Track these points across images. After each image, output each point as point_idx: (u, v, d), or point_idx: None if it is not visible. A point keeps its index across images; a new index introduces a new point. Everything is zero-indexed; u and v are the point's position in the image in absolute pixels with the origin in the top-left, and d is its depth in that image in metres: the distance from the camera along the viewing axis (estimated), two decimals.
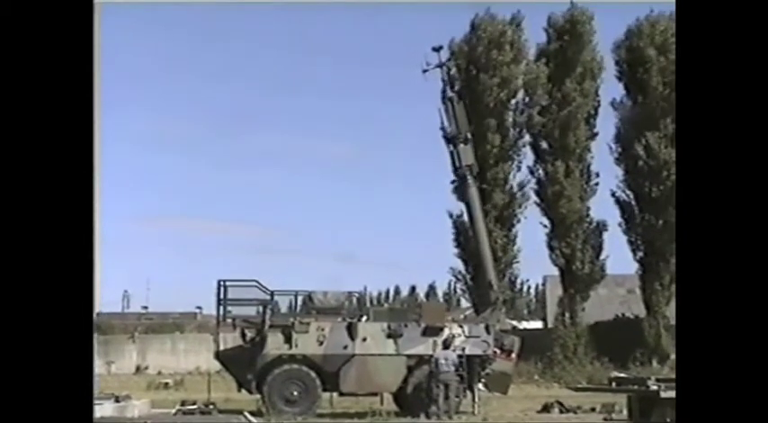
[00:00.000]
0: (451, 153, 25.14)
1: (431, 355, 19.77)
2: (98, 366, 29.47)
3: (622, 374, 22.28)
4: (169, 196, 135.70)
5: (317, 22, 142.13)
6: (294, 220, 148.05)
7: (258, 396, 20.45)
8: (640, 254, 37.70)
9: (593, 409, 21.10)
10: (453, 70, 29.87)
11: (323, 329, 20.32)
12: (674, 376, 13.61)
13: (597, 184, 38.61)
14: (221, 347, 21.46)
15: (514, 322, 47.01)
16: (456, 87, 28.00)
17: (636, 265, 38.17)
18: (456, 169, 25.32)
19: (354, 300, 22.26)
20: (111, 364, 40.50)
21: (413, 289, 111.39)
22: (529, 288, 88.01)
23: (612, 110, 38.68)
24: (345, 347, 20.25)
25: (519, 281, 42.53)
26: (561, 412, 21.26)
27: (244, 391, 20.93)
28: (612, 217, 38.39)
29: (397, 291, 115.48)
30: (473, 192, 24.97)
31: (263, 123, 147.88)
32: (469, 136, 24.90)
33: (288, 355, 20.17)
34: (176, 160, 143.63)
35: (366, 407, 20.77)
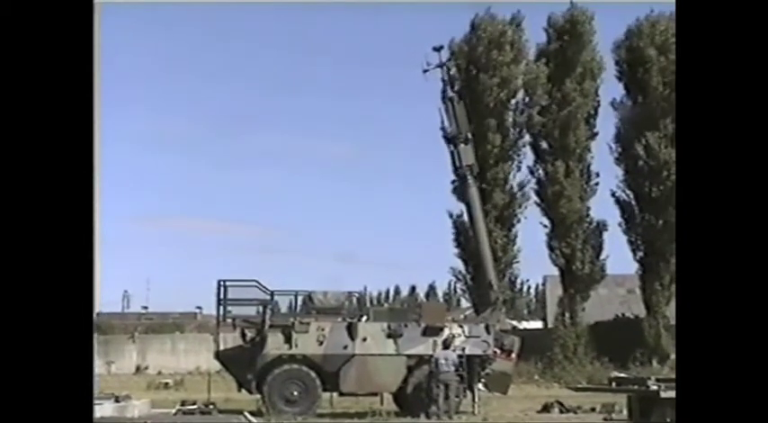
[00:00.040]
0: (452, 153, 25.14)
1: (431, 355, 19.77)
2: (98, 366, 29.47)
3: (622, 374, 22.28)
4: (169, 196, 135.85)
5: (317, 22, 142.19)
6: (294, 220, 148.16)
7: (258, 396, 20.45)
8: (640, 254, 37.71)
9: (593, 409, 21.10)
10: (453, 70, 29.87)
11: (323, 329, 20.32)
12: (673, 376, 13.61)
13: (597, 184, 38.68)
14: (221, 347, 21.46)
15: (514, 322, 47.03)
16: (456, 87, 27.98)
17: (636, 265, 38.22)
18: (456, 169, 25.33)
19: (354, 300, 22.26)
20: (111, 364, 40.51)
21: (413, 289, 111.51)
22: (529, 288, 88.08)
23: (612, 110, 38.74)
24: (345, 347, 20.25)
25: (519, 281, 42.59)
26: (561, 412, 21.26)
27: (244, 391, 20.92)
28: (612, 217, 38.46)
29: (397, 291, 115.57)
30: (473, 192, 24.98)
31: (263, 123, 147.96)
32: (470, 136, 24.90)
33: (288, 355, 20.17)
34: (176, 160, 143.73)
35: (366, 407, 20.78)
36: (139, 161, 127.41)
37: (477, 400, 20.74)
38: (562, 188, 37.14)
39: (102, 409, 17.33)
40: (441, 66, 24.94)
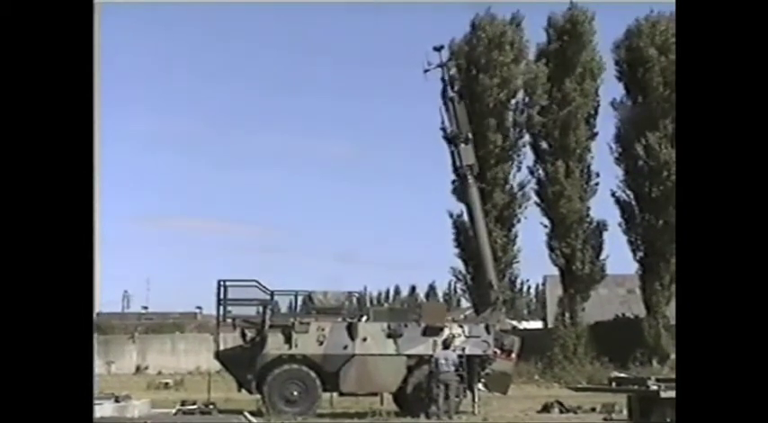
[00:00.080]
0: (452, 153, 25.15)
1: (431, 355, 19.77)
2: (98, 366, 29.48)
3: (622, 374, 22.28)
4: (169, 196, 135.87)
5: (317, 22, 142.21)
6: (294, 220, 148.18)
7: (258, 396, 20.45)
8: (640, 254, 37.71)
9: (593, 409, 21.10)
10: (453, 70, 29.87)
11: (323, 329, 20.32)
12: (674, 376, 13.61)
13: (597, 184, 38.68)
14: (221, 347, 21.46)
15: (514, 322, 47.06)
16: (456, 87, 27.97)
17: (636, 265, 38.22)
18: (456, 169, 25.34)
19: (354, 300, 22.25)
20: (111, 364, 40.52)
21: (413, 289, 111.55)
22: (529, 288, 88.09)
23: (612, 110, 38.74)
24: (345, 347, 20.25)
25: (519, 281, 42.57)
26: (561, 412, 21.25)
27: (244, 391, 20.92)
28: (612, 217, 38.46)
29: (397, 291, 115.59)
30: (474, 192, 24.98)
31: (263, 123, 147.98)
32: (470, 136, 24.90)
33: (288, 355, 20.17)
34: (176, 160, 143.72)
35: (366, 407, 20.78)
36: (139, 161, 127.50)
37: (477, 400, 20.74)
38: (562, 188, 37.14)
39: (102, 409, 17.33)
40: (441, 66, 24.94)
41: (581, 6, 38.54)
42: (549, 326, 43.71)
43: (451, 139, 25.22)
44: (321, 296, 21.36)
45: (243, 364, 20.46)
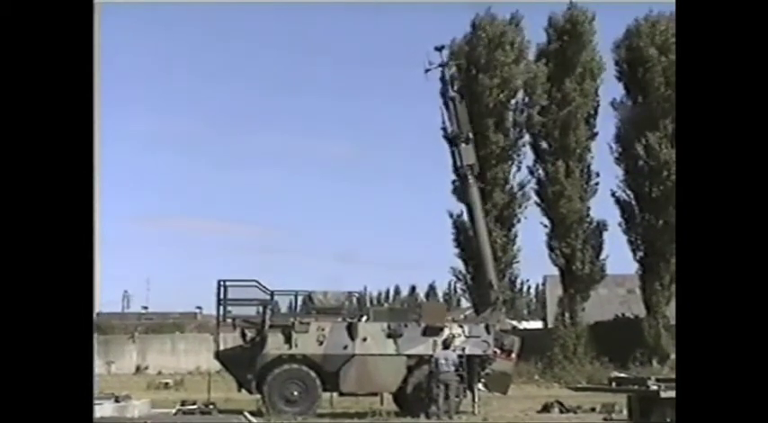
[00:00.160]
0: (453, 153, 25.15)
1: (431, 355, 19.76)
2: (98, 366, 29.47)
3: (622, 374, 22.29)
4: (169, 196, 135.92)
5: (317, 22, 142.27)
6: (294, 220, 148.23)
7: (258, 396, 20.45)
8: (640, 254, 37.71)
9: (593, 409, 21.10)
10: (454, 70, 29.89)
11: (323, 329, 20.31)
12: (674, 376, 13.61)
13: (597, 184, 38.68)
14: (221, 347, 21.45)
15: (514, 322, 47.05)
16: (456, 87, 27.98)
17: (636, 265, 38.22)
18: (457, 169, 25.36)
19: (354, 300, 22.25)
20: (111, 364, 40.52)
21: (413, 289, 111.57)
22: (529, 288, 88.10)
23: (612, 110, 38.75)
24: (345, 347, 20.24)
25: (519, 281, 42.55)
26: (561, 412, 21.25)
27: (244, 391, 20.92)
28: (612, 217, 38.46)
29: (397, 291, 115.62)
30: (474, 191, 25.00)
31: (263, 123, 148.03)
32: (471, 136, 24.90)
33: (288, 355, 20.16)
34: (176, 160, 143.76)
35: (366, 407, 20.78)
36: (139, 161, 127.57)
37: (477, 400, 20.73)
38: (562, 188, 37.15)
39: (102, 409, 17.32)
40: (442, 65, 24.95)
41: (581, 6, 38.60)
42: (549, 326, 43.69)
43: (452, 139, 25.25)
44: (321, 296, 21.36)
45: (243, 364, 20.46)
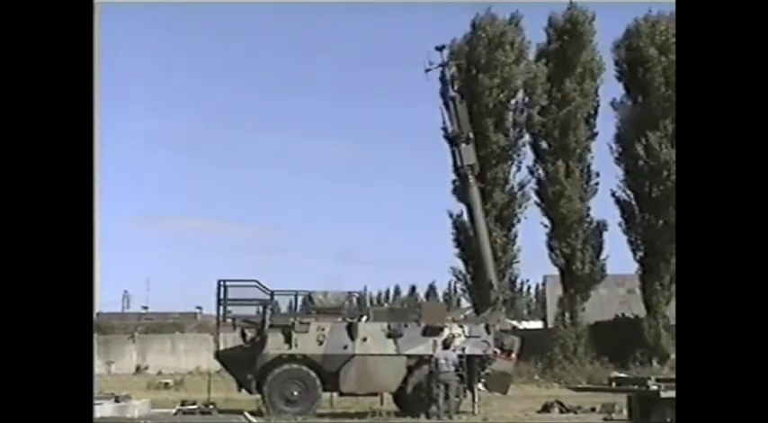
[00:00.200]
0: (453, 153, 25.12)
1: (431, 355, 19.76)
2: (98, 366, 29.47)
3: (622, 374, 22.27)
4: (169, 196, 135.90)
5: (317, 22, 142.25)
6: (294, 220, 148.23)
7: (258, 396, 20.45)
8: (640, 254, 37.71)
9: (593, 409, 21.10)
10: (454, 70, 29.88)
11: (323, 329, 20.31)
12: (673, 376, 13.60)
13: (597, 184, 38.68)
14: (221, 347, 21.45)
15: (514, 322, 47.04)
16: (456, 87, 27.96)
17: (636, 265, 38.22)
18: (457, 169, 25.34)
19: (354, 300, 22.25)
20: (111, 364, 40.52)
21: (413, 289, 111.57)
22: (529, 288, 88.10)
23: (612, 110, 38.75)
24: (345, 347, 20.24)
25: (519, 281, 42.54)
26: (561, 412, 21.25)
27: (244, 391, 20.91)
28: (613, 217, 38.46)
29: (397, 291, 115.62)
30: (474, 191, 25.00)
31: (263, 123, 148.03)
32: (471, 136, 24.90)
33: (288, 355, 20.16)
34: (176, 160, 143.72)
35: (366, 407, 20.78)
36: (139, 161, 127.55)
37: (477, 400, 20.73)
38: (562, 188, 37.15)
39: (102, 409, 17.32)
40: (442, 65, 24.96)
41: (581, 6, 38.60)
42: (549, 326, 43.68)
43: (452, 139, 25.24)
44: (321, 296, 21.35)
45: (243, 364, 20.46)
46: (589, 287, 38.18)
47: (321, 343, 20.24)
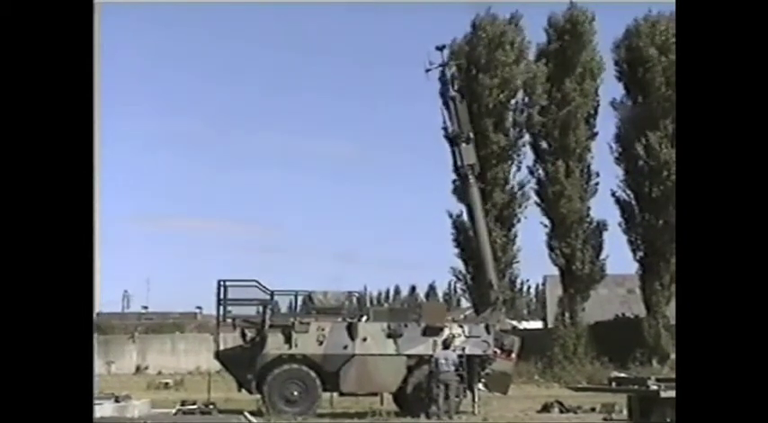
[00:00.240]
0: (453, 152, 25.11)
1: (431, 355, 19.76)
2: (98, 366, 29.45)
3: (622, 374, 22.26)
4: (169, 196, 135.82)
5: (317, 21, 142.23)
6: (294, 220, 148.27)
7: (258, 396, 20.44)
8: (640, 254, 37.71)
9: (593, 409, 21.09)
10: (454, 70, 29.88)
11: (323, 329, 20.31)
12: (673, 376, 13.60)
13: (597, 183, 38.68)
14: (221, 347, 21.45)
15: (514, 322, 47.02)
16: (456, 87, 27.95)
17: (636, 265, 38.22)
18: (457, 169, 25.33)
19: (354, 300, 22.24)
20: (111, 364, 40.51)
21: (413, 289, 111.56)
22: (529, 288, 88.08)
23: (612, 110, 38.74)
24: (345, 347, 20.24)
25: (519, 281, 42.52)
26: (561, 412, 21.25)
27: (244, 391, 20.91)
28: (612, 217, 38.46)
29: (398, 291, 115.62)
30: (474, 191, 25.00)
31: (264, 123, 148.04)
32: (471, 135, 24.90)
33: (288, 355, 20.16)
34: (176, 160, 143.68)
35: (366, 407, 20.77)
36: (139, 161, 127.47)
37: (477, 400, 20.73)
38: (562, 188, 37.15)
39: (102, 409, 17.32)
40: (442, 65, 24.96)
41: (581, 6, 38.60)
42: (550, 326, 43.68)
43: (453, 139, 25.23)
44: (321, 296, 21.35)
45: (243, 363, 20.45)
46: (589, 287, 38.19)
47: (321, 343, 20.23)
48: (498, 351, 21.16)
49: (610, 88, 38.95)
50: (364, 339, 20.34)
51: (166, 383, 32.74)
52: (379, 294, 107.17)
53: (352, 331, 20.33)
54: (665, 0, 32.46)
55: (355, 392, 20.87)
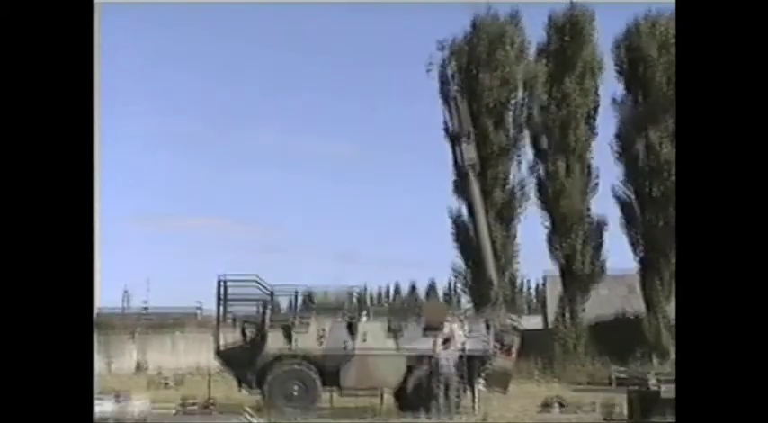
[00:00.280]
0: (454, 151, 25.12)
1: (431, 354, 19.77)
2: (98, 365, 29.46)
3: (622, 373, 22.30)
4: (169, 196, 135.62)
5: (317, 21, 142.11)
6: (294, 220, 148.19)
7: (259, 394, 20.45)
8: (641, 252, 37.70)
9: (593, 408, 21.09)
10: (454, 69, 29.90)
11: (323, 328, 20.32)
12: (674, 374, 13.61)
13: (597, 182, 38.67)
14: (221, 346, 21.45)
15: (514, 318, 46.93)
16: (457, 85, 27.97)
17: (636, 264, 38.19)
18: (458, 167, 25.35)
19: (354, 298, 22.26)
20: (111, 362, 40.49)
21: (413, 287, 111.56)
22: (530, 286, 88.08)
23: (613, 109, 38.72)
24: (346, 346, 20.25)
25: (519, 279, 42.53)
26: (562, 410, 21.25)
27: (244, 389, 20.92)
28: (613, 215, 38.45)
29: (398, 289, 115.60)
30: (475, 189, 25.00)
31: (264, 123, 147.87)
32: (472, 134, 24.90)
33: (288, 354, 20.17)
34: (176, 160, 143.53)
35: (366, 405, 20.78)
36: (139, 161, 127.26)
37: (477, 398, 20.73)
38: (563, 186, 37.15)
39: (102, 407, 17.33)
40: (443, 65, 24.98)
41: (581, 5, 38.55)
42: (550, 324, 43.69)
43: (453, 138, 25.23)
44: (321, 294, 21.38)
45: (243, 362, 20.47)
46: (589, 285, 38.18)
47: (321, 341, 20.25)
48: (498, 349, 21.17)
49: (610, 87, 38.98)
50: (364, 337, 20.35)
51: (167, 382, 32.73)
52: (380, 293, 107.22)
53: (352, 329, 20.35)
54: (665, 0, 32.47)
55: (355, 391, 20.88)
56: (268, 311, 20.50)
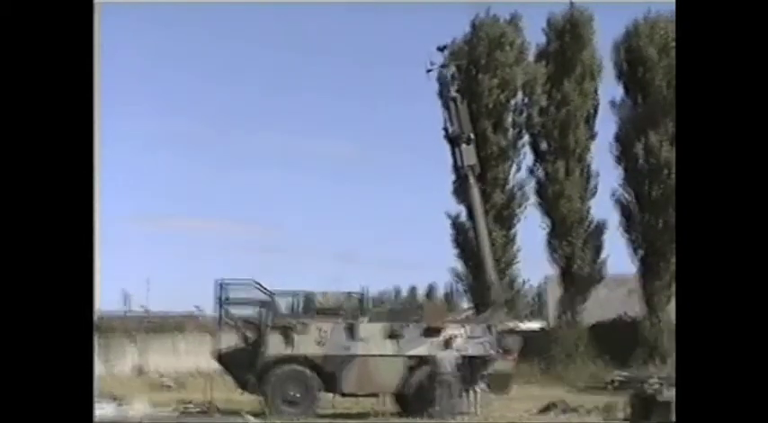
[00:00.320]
0: (453, 153, 25.08)
1: (432, 356, 19.74)
2: (98, 367, 29.42)
3: (623, 375, 22.27)
4: (169, 196, 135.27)
5: (317, 21, 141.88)
6: (294, 220, 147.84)
7: (259, 397, 20.42)
8: (641, 254, 37.64)
9: (593, 410, 21.07)
10: (454, 70, 29.86)
11: (323, 330, 20.29)
12: (673, 376, 13.58)
13: (597, 184, 38.62)
14: (221, 348, 21.42)
15: (516, 322, 46.92)
16: (457, 87, 27.93)
17: (636, 265, 38.15)
18: (457, 169, 25.31)
19: (355, 300, 22.22)
20: (111, 364, 40.40)
21: (413, 289, 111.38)
22: (530, 287, 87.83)
23: (612, 110, 38.68)
24: (346, 348, 20.23)
25: (519, 281, 42.45)
26: (563, 412, 21.23)
27: (244, 391, 20.88)
28: (613, 217, 38.38)
29: (398, 291, 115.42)
30: (475, 192, 24.99)
31: (264, 123, 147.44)
32: (472, 136, 24.88)
33: (288, 356, 20.14)
34: (176, 160, 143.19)
35: (367, 408, 20.75)
36: (139, 161, 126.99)
37: (477, 400, 20.70)
38: (562, 188, 37.09)
39: (102, 409, 17.31)
40: (443, 66, 24.94)
41: (580, 7, 38.53)
42: (550, 326, 43.62)
43: (453, 140, 25.20)
44: (321, 297, 21.34)
45: (243, 364, 20.43)
46: (589, 287, 38.12)
47: (321, 344, 20.22)
48: (499, 351, 21.14)
49: (609, 88, 38.91)
50: (365, 340, 20.32)
51: (167, 384, 32.66)
52: (380, 295, 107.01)
53: (352, 332, 20.32)
54: (665, 0, 32.44)
55: (356, 393, 20.85)
56: (268, 314, 20.46)
